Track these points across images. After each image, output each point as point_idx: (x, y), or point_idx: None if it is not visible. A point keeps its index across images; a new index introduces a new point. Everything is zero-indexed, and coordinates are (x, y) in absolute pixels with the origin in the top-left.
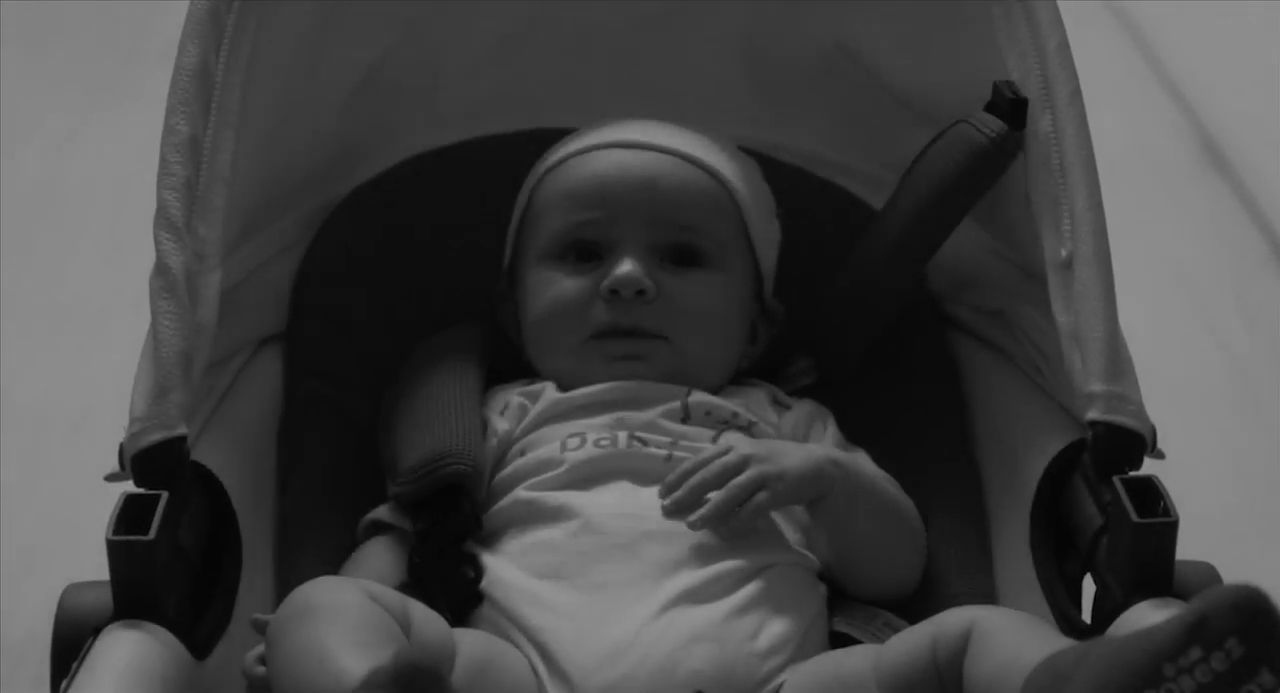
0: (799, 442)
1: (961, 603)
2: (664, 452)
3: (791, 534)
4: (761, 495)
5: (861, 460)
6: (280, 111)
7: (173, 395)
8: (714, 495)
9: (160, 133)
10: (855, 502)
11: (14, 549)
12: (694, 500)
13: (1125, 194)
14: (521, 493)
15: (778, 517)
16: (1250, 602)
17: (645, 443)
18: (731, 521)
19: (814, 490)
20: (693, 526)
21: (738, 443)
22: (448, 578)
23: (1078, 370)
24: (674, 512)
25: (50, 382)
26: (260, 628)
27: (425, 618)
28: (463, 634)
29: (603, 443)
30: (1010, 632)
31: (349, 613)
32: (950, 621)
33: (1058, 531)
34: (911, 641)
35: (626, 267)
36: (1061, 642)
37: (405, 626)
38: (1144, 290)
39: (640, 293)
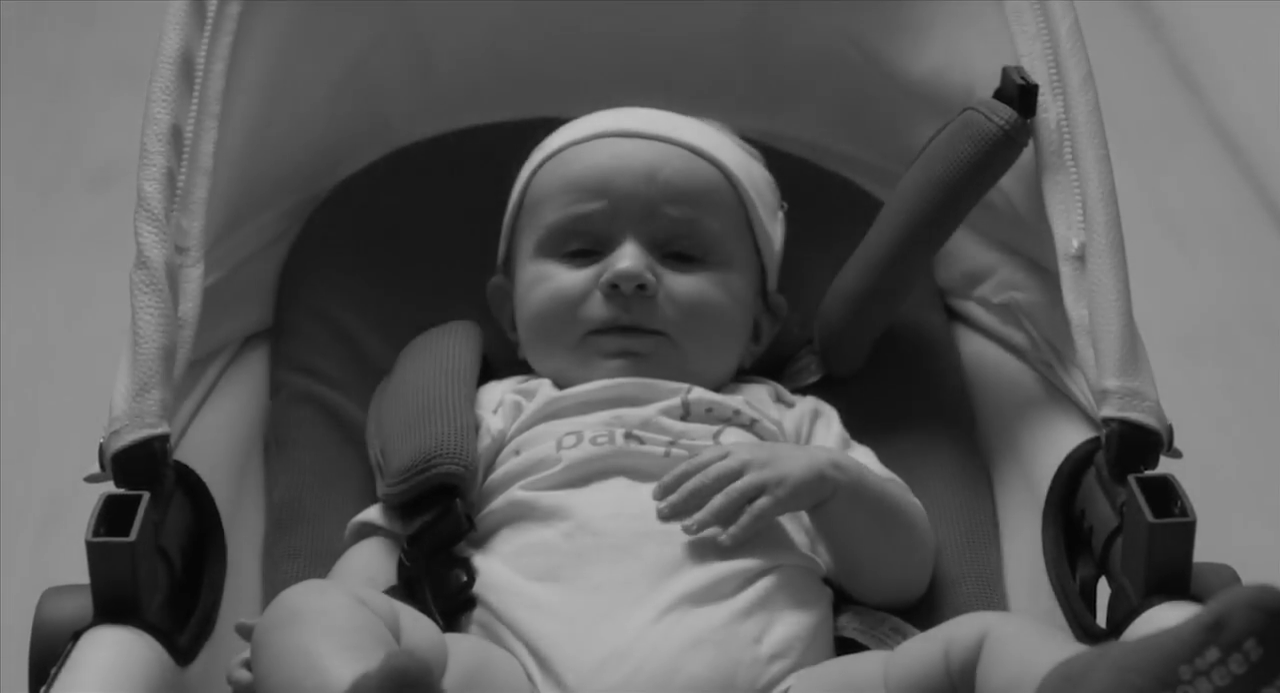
0: (802, 440)
1: (970, 607)
2: (661, 449)
3: (796, 536)
4: (762, 501)
5: (867, 461)
6: (265, 100)
7: (153, 393)
8: (711, 501)
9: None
10: (859, 506)
11: None
12: (690, 506)
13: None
14: (516, 493)
15: (785, 519)
16: (1271, 602)
17: (642, 441)
18: (733, 529)
19: (816, 496)
20: (688, 531)
21: (736, 447)
22: (439, 582)
23: (1091, 366)
24: (669, 516)
25: None
26: (245, 633)
27: (415, 622)
28: (455, 639)
29: (599, 441)
30: (1024, 639)
31: (336, 618)
32: (963, 628)
33: (1071, 532)
34: (923, 648)
35: (626, 260)
36: (1076, 648)
37: (395, 630)
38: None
39: (641, 287)
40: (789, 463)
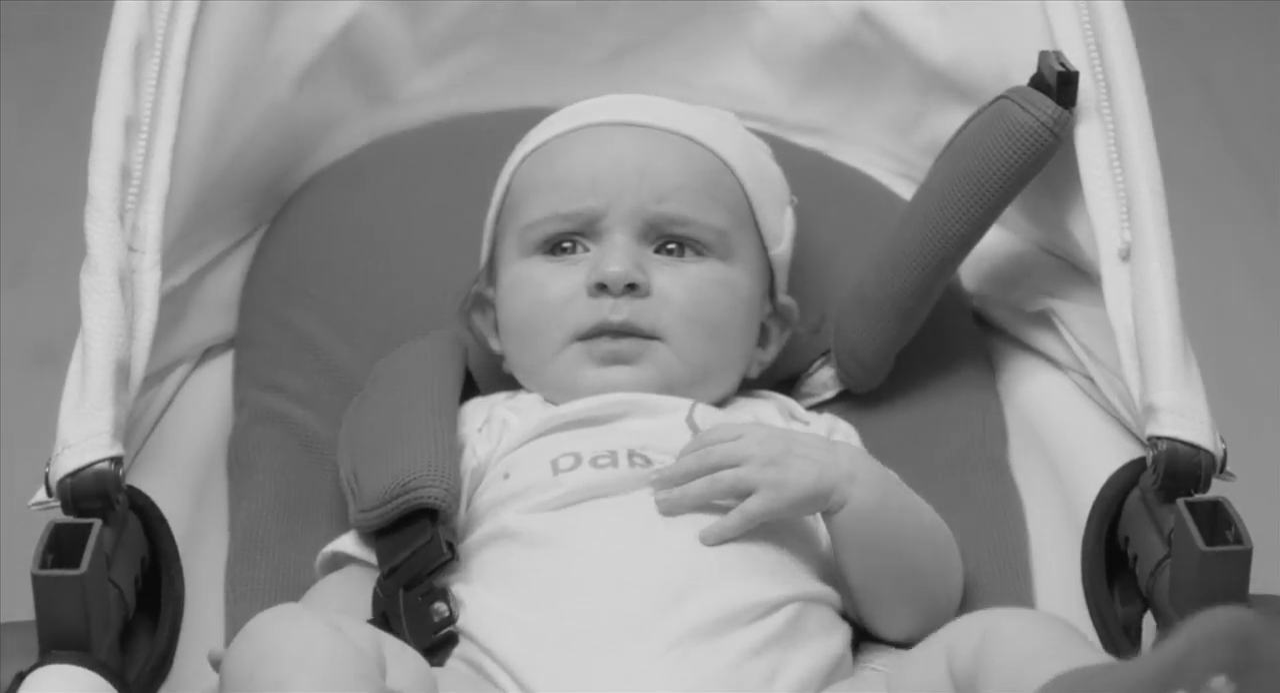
0: None
1: None
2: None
3: (814, 565)
4: (752, 503)
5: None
6: (229, 85)
7: (105, 411)
8: (691, 485)
9: None
10: (878, 525)
11: None
12: (679, 480)
13: None
14: (505, 519)
15: (799, 546)
16: (1240, 630)
17: (650, 461)
18: (715, 526)
19: (817, 508)
20: (659, 505)
21: (755, 430)
22: (418, 616)
23: (1136, 379)
24: (656, 483)
25: None
26: (217, 662)
27: (401, 656)
28: (442, 677)
29: (601, 463)
30: (1024, 639)
31: (314, 650)
32: (963, 629)
33: (1113, 561)
34: (925, 656)
35: (615, 257)
36: (1077, 651)
37: (379, 664)
38: None
39: (631, 287)
40: (797, 468)
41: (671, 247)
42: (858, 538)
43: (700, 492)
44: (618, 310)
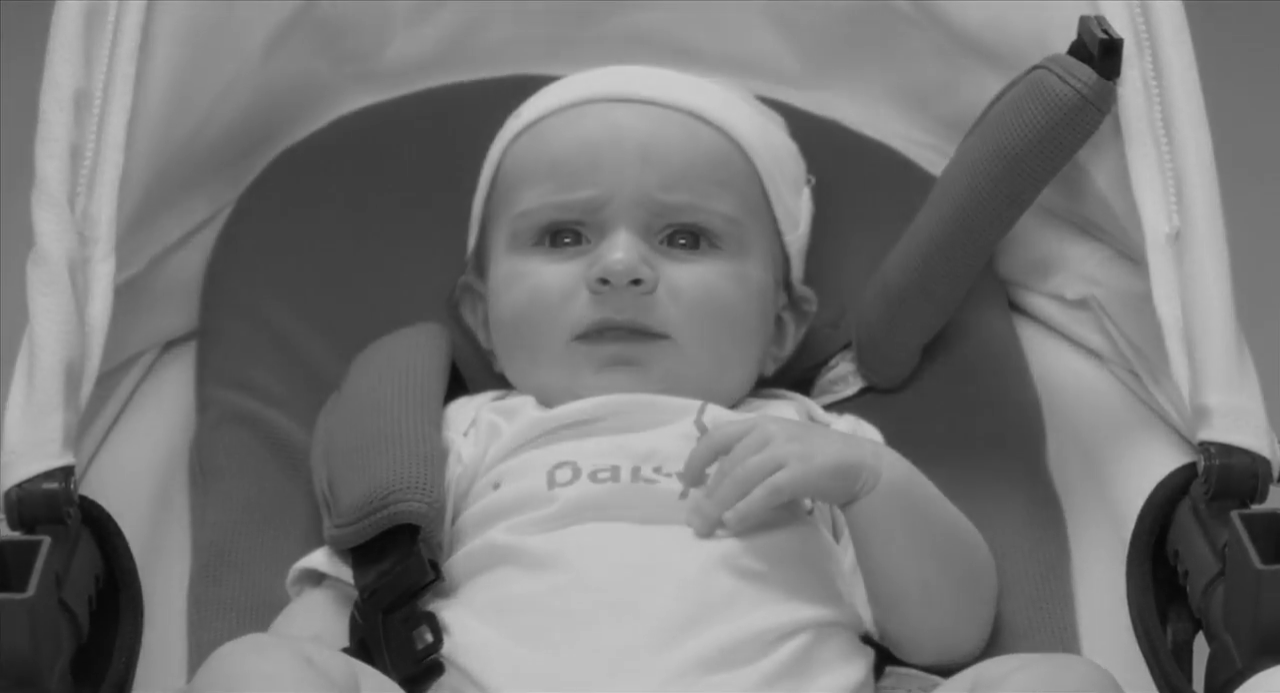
0: None
1: None
2: (678, 488)
3: (833, 584)
4: (779, 475)
5: None
6: (189, 57)
7: (55, 416)
8: (721, 488)
9: None
10: (905, 511)
11: None
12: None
13: None
14: (496, 536)
15: (817, 564)
16: None
17: (653, 480)
18: (740, 505)
19: (845, 482)
20: (691, 521)
21: (764, 419)
22: (399, 643)
23: (1186, 377)
24: (693, 512)
25: None
26: None
27: (380, 689)
28: None
29: (601, 476)
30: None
31: (284, 685)
32: (990, 671)
33: (1162, 577)
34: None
35: (618, 251)
36: None
37: None
38: None
39: (636, 282)
40: (822, 442)
41: (681, 240)
42: (885, 523)
43: (731, 491)
44: (623, 308)
